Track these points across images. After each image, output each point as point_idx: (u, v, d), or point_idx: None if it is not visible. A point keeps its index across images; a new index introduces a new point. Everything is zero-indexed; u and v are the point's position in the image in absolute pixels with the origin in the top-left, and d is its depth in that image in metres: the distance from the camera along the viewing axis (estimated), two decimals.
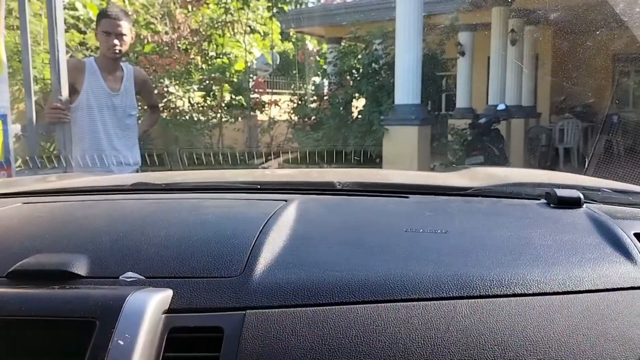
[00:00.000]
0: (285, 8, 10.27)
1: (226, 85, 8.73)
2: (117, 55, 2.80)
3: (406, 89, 6.55)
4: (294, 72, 13.25)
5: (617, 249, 0.75)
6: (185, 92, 8.26)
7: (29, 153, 2.60)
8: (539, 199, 0.99)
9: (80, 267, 0.70)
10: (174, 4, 9.24)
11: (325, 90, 9.28)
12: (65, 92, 2.59)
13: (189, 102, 8.40)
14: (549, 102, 11.24)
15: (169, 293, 0.65)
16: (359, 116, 7.97)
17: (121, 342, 0.58)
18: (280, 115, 9.11)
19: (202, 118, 8.47)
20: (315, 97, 9.22)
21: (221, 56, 9.18)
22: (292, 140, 8.44)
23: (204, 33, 9.20)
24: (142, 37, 8.72)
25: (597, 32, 8.70)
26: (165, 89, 8.06)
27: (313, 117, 8.62)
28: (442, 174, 1.59)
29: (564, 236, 0.80)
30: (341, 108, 8.26)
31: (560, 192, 0.95)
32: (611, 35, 8.77)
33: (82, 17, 8.82)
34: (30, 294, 0.66)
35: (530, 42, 10.18)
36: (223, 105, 8.67)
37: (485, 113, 8.60)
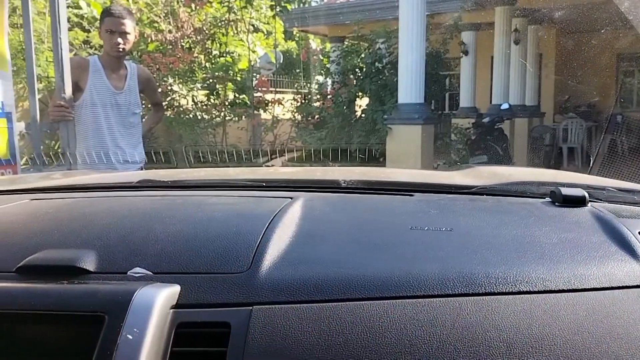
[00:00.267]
0: (289, 7, 10.26)
1: (230, 83, 8.75)
2: (120, 53, 2.81)
3: (409, 88, 6.55)
4: (298, 71, 13.25)
5: (622, 247, 0.75)
6: (189, 91, 8.28)
7: (33, 151, 2.61)
8: (544, 198, 0.99)
9: (89, 263, 0.71)
10: (178, 2, 9.27)
11: (329, 89, 9.29)
12: (69, 90, 2.60)
13: (193, 100, 8.41)
14: (552, 101, 11.23)
15: (176, 288, 0.66)
16: (362, 115, 7.98)
17: (130, 337, 0.59)
18: (283, 114, 9.12)
19: (205, 116, 8.49)
20: (318, 96, 9.24)
21: (224, 55, 9.19)
22: (296, 139, 8.46)
23: (207, 32, 9.22)
24: (145, 35, 8.74)
25: (602, 31, 8.69)
26: (169, 88, 8.08)
27: (316, 116, 8.63)
28: (446, 173, 1.59)
29: (569, 234, 0.80)
30: (344, 107, 8.26)
31: (565, 191, 0.95)
32: (615, 35, 8.76)
33: (85, 16, 8.85)
34: (39, 288, 0.67)
35: (533, 42, 10.16)
36: (227, 103, 8.69)
37: (489, 112, 8.59)
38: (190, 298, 0.66)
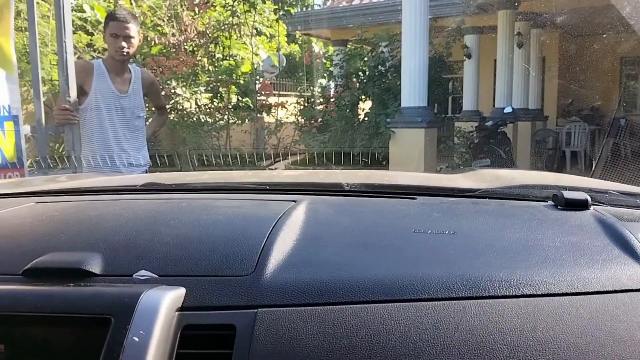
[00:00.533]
0: (292, 11, 10.29)
1: (233, 87, 8.77)
2: (125, 57, 2.82)
3: (412, 91, 6.55)
4: (300, 74, 13.28)
5: (625, 251, 0.75)
6: (192, 94, 8.30)
7: (38, 154, 2.62)
8: (547, 201, 0.99)
9: (95, 265, 0.71)
10: (181, 6, 9.29)
11: (332, 93, 9.30)
12: (73, 94, 2.61)
13: (196, 103, 8.43)
14: (556, 105, 11.22)
15: (182, 291, 0.66)
16: (365, 118, 7.98)
17: (136, 339, 0.59)
18: (287, 117, 9.13)
19: (209, 120, 8.51)
20: (321, 100, 9.24)
21: (228, 58, 9.22)
22: (299, 142, 8.46)
23: (210, 35, 9.24)
24: (149, 39, 8.77)
25: (604, 35, 8.68)
26: (173, 91, 8.10)
27: (319, 119, 8.64)
28: (449, 176, 1.60)
29: (572, 238, 0.81)
30: (347, 110, 8.27)
31: (568, 194, 0.95)
32: (618, 38, 8.75)
33: (89, 19, 8.88)
34: (46, 291, 0.67)
35: (537, 45, 10.15)
36: (230, 107, 8.70)
37: (492, 116, 8.58)
38: (196, 300, 0.66)
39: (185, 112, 8.34)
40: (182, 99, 8.27)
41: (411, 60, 6.50)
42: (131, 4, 9.07)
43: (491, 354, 0.59)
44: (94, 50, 8.68)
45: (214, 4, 9.32)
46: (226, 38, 9.27)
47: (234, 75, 8.80)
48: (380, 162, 6.57)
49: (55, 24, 2.58)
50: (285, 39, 13.27)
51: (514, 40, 9.28)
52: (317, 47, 14.64)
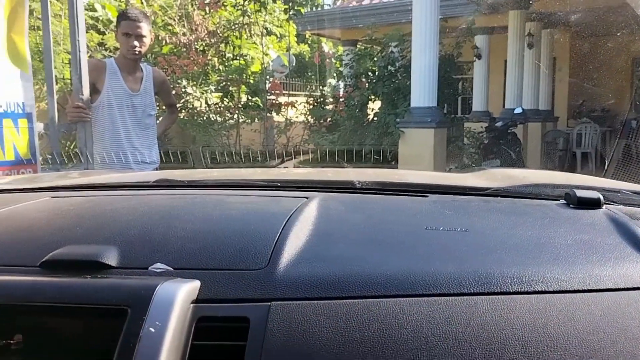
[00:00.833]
0: (302, 10, 10.30)
1: (243, 86, 8.78)
2: (137, 56, 2.84)
3: (422, 91, 6.53)
4: (310, 74, 13.29)
5: (638, 249, 0.75)
6: (202, 93, 8.32)
7: (51, 151, 2.65)
8: (559, 200, 0.99)
9: (111, 258, 0.72)
10: (192, 5, 9.32)
11: (341, 92, 9.29)
12: (86, 92, 2.64)
13: (207, 102, 8.46)
14: (566, 105, 11.15)
15: (196, 284, 0.67)
16: (375, 118, 7.96)
17: (152, 330, 0.60)
18: (296, 117, 9.14)
19: (219, 119, 8.53)
20: (331, 99, 9.23)
21: (238, 58, 9.23)
22: (309, 142, 8.46)
23: (221, 35, 9.26)
24: (160, 38, 8.80)
25: (616, 35, 8.62)
26: (183, 90, 8.13)
27: (329, 119, 8.63)
28: (460, 175, 1.59)
29: (584, 236, 0.81)
30: (357, 110, 8.25)
31: (580, 193, 0.95)
32: (631, 38, 8.68)
33: (101, 18, 8.92)
34: (64, 282, 0.68)
35: (547, 46, 10.10)
36: (240, 106, 8.72)
37: (502, 116, 8.54)
38: (210, 293, 0.67)
39: (195, 111, 8.36)
40: (193, 98, 8.29)
41: (421, 60, 6.49)
42: (142, 3, 9.11)
43: (502, 349, 0.59)
44: (106, 50, 8.72)
45: (225, 4, 9.34)
46: (236, 37, 9.29)
47: (244, 74, 8.82)
48: (390, 162, 6.56)
49: (69, 23, 2.60)
50: (295, 38, 13.28)
51: (524, 41, 9.23)
52: (327, 47, 14.64)
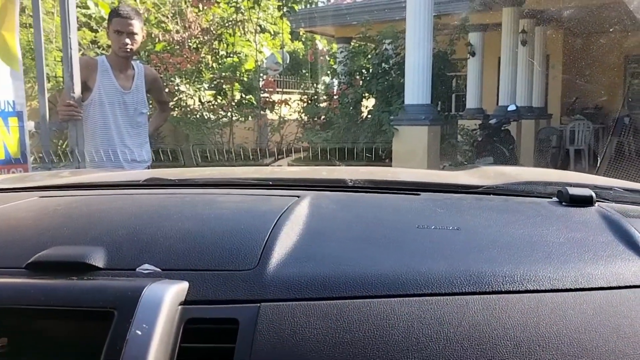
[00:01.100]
0: (296, 7, 10.26)
1: (236, 84, 8.76)
2: (128, 54, 2.83)
3: (416, 89, 6.54)
4: (304, 71, 13.27)
5: (630, 247, 0.75)
6: (195, 91, 8.29)
7: (41, 149, 2.63)
8: (551, 197, 0.99)
9: (98, 259, 0.71)
10: (185, 3, 9.30)
11: (335, 90, 9.28)
12: (77, 90, 2.62)
13: (200, 100, 8.43)
14: (560, 103, 11.19)
15: (185, 285, 0.66)
16: (369, 116, 7.96)
17: (139, 332, 0.59)
18: (290, 115, 9.13)
19: (212, 116, 8.50)
20: (325, 97, 9.22)
21: (231, 55, 9.21)
22: (302, 140, 8.45)
23: (214, 32, 9.24)
24: (153, 35, 8.77)
25: (609, 32, 8.66)
26: (176, 88, 8.10)
27: (323, 117, 8.63)
28: (453, 173, 1.59)
29: (576, 234, 0.80)
30: (351, 108, 8.25)
31: (572, 191, 0.95)
32: (623, 35, 8.72)
33: (93, 16, 8.88)
34: (49, 284, 0.67)
35: (541, 43, 10.13)
36: (233, 104, 8.70)
37: (496, 114, 8.56)
38: (199, 294, 0.66)
39: (188, 109, 8.34)
40: (186, 96, 8.27)
41: (415, 57, 6.50)
42: (135, 0, 9.07)
43: (494, 349, 0.59)
44: (98, 47, 8.69)
45: (218, 1, 9.31)
46: (230, 35, 9.26)
47: (238, 72, 8.79)
48: (384, 159, 6.56)
49: (60, 20, 2.58)
50: (289, 36, 13.26)
51: (518, 38, 9.25)
52: (321, 44, 14.62)
